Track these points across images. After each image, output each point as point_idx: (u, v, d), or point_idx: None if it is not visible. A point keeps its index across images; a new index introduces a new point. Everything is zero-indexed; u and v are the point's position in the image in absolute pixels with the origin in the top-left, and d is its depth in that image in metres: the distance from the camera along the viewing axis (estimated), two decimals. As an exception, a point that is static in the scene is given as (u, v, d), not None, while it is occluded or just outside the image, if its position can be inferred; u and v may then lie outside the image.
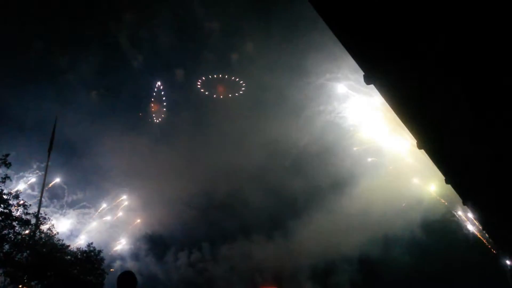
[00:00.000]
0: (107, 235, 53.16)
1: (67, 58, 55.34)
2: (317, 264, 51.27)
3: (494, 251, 38.70)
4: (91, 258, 26.12)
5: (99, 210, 54.25)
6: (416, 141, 7.72)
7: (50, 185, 50.17)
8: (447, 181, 8.18)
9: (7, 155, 23.64)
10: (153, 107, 60.53)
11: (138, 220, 56.57)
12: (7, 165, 23.67)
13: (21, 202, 23.85)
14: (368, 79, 6.70)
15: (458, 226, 44.08)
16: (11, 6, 49.61)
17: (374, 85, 6.84)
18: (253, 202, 53.93)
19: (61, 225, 44.93)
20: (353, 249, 48.65)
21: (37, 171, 50.18)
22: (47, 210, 43.98)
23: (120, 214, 55.71)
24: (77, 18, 53.75)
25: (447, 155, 7.07)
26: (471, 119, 5.60)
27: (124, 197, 56.11)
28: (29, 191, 48.59)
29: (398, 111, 6.89)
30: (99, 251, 26.94)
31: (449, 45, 4.85)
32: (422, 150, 7.93)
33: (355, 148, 51.84)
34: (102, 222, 54.00)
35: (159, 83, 60.65)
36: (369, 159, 51.29)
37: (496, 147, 5.66)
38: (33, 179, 50.11)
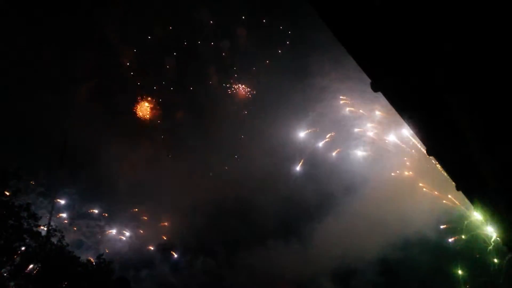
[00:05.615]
0: (119, 244, 53.22)
1: (65, 62, 54.19)
2: (337, 268, 50.77)
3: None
4: (102, 269, 26.12)
5: (109, 220, 54.39)
6: (426, 148, 7.63)
7: (59, 196, 50.30)
8: (457, 188, 8.08)
9: (18, 168, 23.81)
10: (155, 111, 60.13)
11: (150, 228, 56.55)
12: (19, 178, 23.82)
13: (32, 214, 23.94)
14: (375, 87, 6.61)
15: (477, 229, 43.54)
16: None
17: (382, 92, 6.74)
18: (266, 208, 53.63)
19: (71, 236, 45.05)
20: (373, 252, 48.12)
21: (45, 181, 50.08)
22: (57, 221, 44.20)
23: (131, 223, 55.78)
24: (69, 18, 52.83)
25: (458, 163, 6.98)
26: (482, 127, 5.51)
27: (135, 205, 56.19)
28: (38, 202, 48.77)
29: (407, 119, 6.82)
30: (110, 262, 26.94)
31: (459, 53, 4.78)
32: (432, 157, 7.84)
33: (364, 152, 51.59)
34: (113, 232, 54.11)
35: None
36: (379, 162, 50.98)
37: (508, 155, 5.57)
38: (42, 189, 50.09)
